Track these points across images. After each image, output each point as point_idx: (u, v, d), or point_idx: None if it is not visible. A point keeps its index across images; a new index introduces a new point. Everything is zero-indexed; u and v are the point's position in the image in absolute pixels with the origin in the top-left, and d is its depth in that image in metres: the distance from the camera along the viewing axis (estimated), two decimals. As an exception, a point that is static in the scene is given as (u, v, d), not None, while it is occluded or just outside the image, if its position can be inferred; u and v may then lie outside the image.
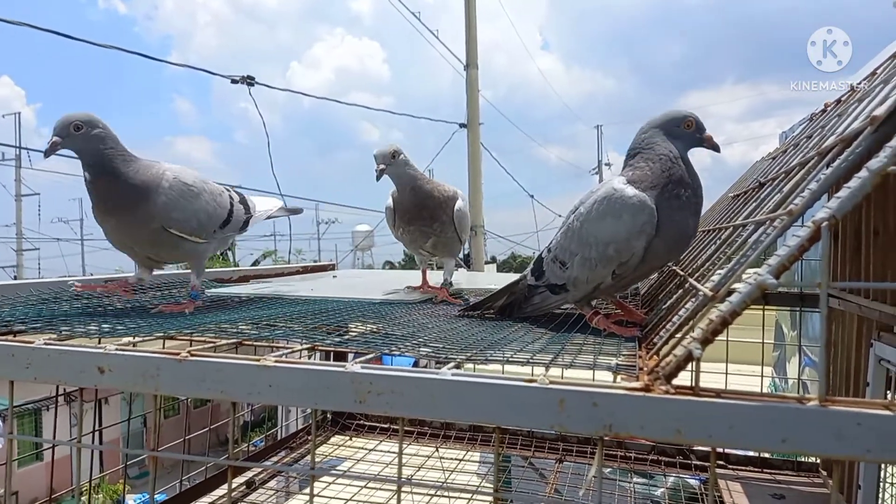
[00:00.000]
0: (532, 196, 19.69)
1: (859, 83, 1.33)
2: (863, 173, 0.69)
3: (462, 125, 11.69)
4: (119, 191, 1.34)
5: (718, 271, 0.91)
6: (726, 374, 2.08)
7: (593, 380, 0.77)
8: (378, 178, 1.65)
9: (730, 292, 0.74)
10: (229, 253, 22.00)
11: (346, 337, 1.11)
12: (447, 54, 11.76)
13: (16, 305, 1.38)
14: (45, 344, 0.92)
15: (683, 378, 0.75)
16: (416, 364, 2.00)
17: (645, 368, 0.82)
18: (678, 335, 0.87)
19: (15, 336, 1.05)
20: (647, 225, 1.11)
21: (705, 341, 0.72)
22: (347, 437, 2.66)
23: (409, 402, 0.80)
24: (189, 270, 1.57)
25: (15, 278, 23.81)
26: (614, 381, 0.79)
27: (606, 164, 29.49)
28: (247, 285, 1.95)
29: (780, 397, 0.70)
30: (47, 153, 1.31)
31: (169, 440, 2.34)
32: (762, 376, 2.20)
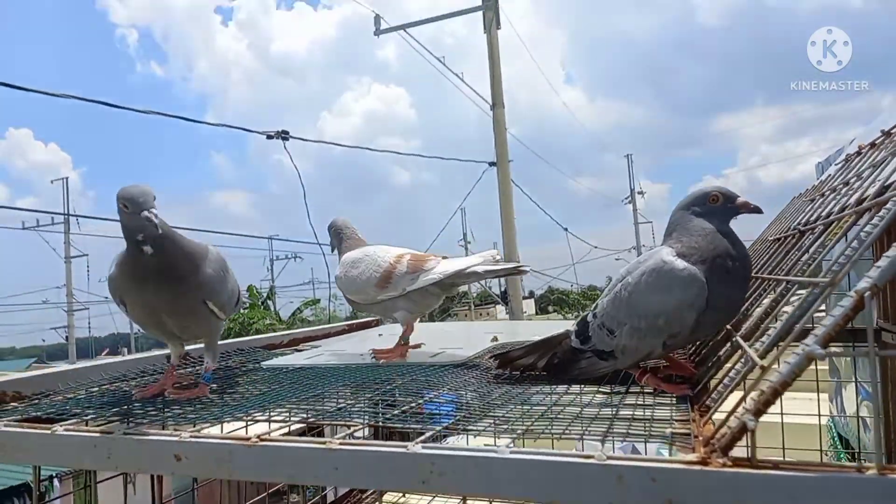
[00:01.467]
0: (566, 229, 19.71)
1: (893, 128, 1.33)
2: (901, 242, 0.72)
3: (491, 164, 11.82)
4: (174, 262, 1.32)
5: (767, 333, 0.93)
6: (781, 413, 2.03)
7: (646, 452, 0.79)
8: (158, 230, 1.25)
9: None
10: (269, 302, 22.35)
11: (398, 411, 1.14)
12: (473, 95, 11.96)
13: (79, 390, 1.44)
14: (125, 434, 0.98)
15: (740, 445, 0.76)
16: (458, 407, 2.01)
17: (700, 437, 0.84)
18: (730, 401, 0.88)
19: (88, 425, 1.11)
20: (698, 298, 1.12)
21: (758, 413, 0.74)
22: (400, 495, 2.66)
23: (469, 481, 0.83)
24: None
25: (67, 339, 24.62)
26: (671, 454, 0.81)
27: (639, 193, 29.35)
28: (298, 353, 2.01)
29: (839, 467, 0.71)
30: (158, 227, 1.24)
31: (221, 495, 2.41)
32: (819, 412, 2.14)
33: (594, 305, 1.34)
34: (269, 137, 9.08)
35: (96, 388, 1.46)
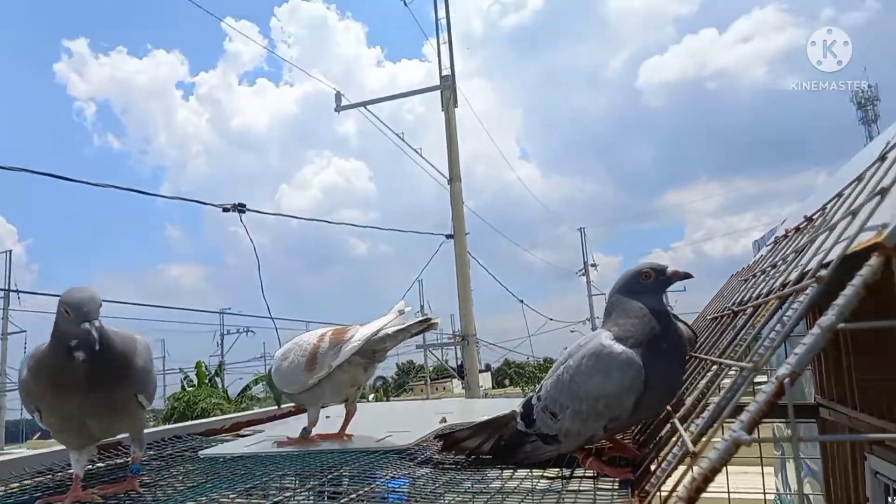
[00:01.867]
0: (521, 300, 19.86)
1: (815, 213, 1.42)
2: (815, 330, 0.75)
3: (449, 236, 11.95)
4: (107, 366, 1.21)
5: (702, 416, 0.94)
6: (728, 492, 2.04)
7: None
8: (95, 345, 1.16)
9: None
10: (217, 379, 21.53)
11: (345, 499, 1.11)
12: (431, 170, 12.23)
13: (10, 481, 1.35)
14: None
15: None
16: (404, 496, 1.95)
17: (638, 525, 0.83)
18: (669, 483, 0.89)
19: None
20: (636, 382, 1.14)
21: (690, 500, 0.75)
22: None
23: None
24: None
25: (-5, 419, 23.00)
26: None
27: (593, 265, 29.97)
28: (240, 438, 1.93)
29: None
30: (96, 343, 1.14)
31: None
32: (764, 493, 2.16)
33: (539, 388, 1.35)
34: (226, 210, 8.99)
35: (24, 481, 1.37)
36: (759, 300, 1.21)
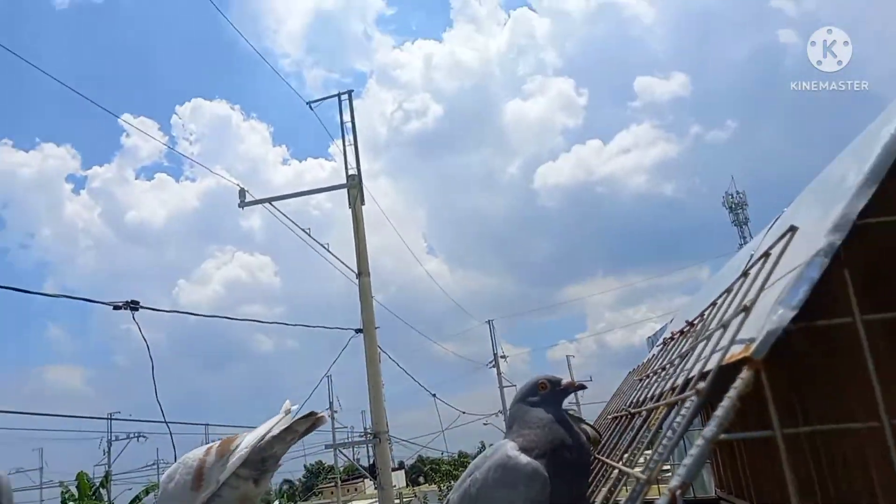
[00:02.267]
0: (434, 395, 19.58)
1: (695, 319, 1.53)
2: (700, 441, 0.79)
3: (358, 330, 11.75)
4: None
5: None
6: None
7: None
8: None
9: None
10: (102, 490, 19.46)
11: None
12: (339, 264, 12.15)
13: None
14: None
15: None
16: None
17: None
18: None
19: None
20: (542, 493, 1.15)
21: None
22: None
23: None
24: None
25: None
26: None
27: (503, 357, 30.24)
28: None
29: None
30: None
31: None
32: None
33: (445, 501, 1.31)
34: (117, 308, 8.45)
35: None
36: (651, 405, 1.26)
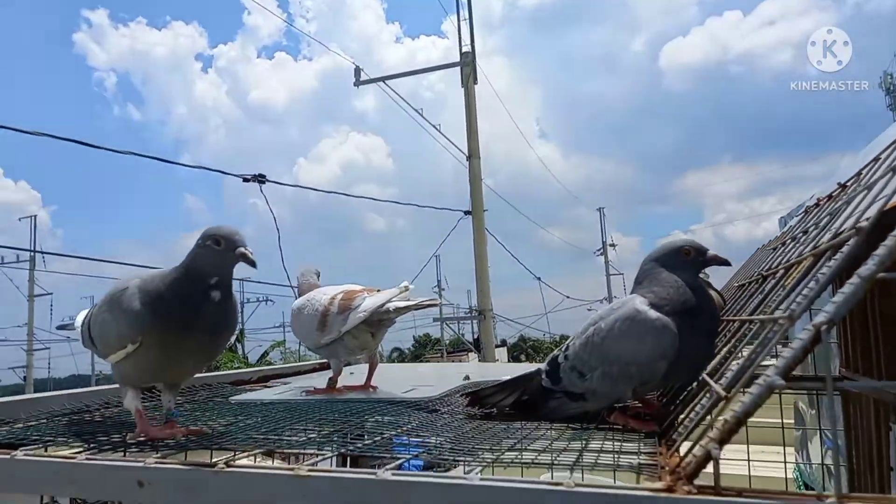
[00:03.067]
0: (539, 278, 19.86)
1: (848, 180, 1.41)
2: (854, 279, 0.75)
3: (466, 212, 11.92)
4: (229, 309, 1.25)
5: (731, 369, 0.96)
6: (748, 460, 2.05)
7: (615, 482, 0.80)
8: (256, 266, 1.26)
9: (748, 383, 0.78)
10: (238, 345, 21.90)
11: (367, 441, 1.14)
12: (450, 146, 12.16)
13: (51, 420, 1.41)
14: (87, 459, 0.96)
15: (706, 474, 0.78)
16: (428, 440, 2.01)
17: (667, 467, 0.85)
18: (696, 433, 0.90)
19: (47, 451, 1.08)
20: (670, 349, 1.14)
21: (722, 442, 0.76)
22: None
23: (439, 509, 0.83)
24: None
25: (24, 379, 23.69)
26: (638, 482, 0.82)
27: (611, 245, 29.78)
28: (267, 389, 1.98)
29: (800, 495, 0.73)
30: (255, 263, 1.22)
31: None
32: (785, 463, 2.16)
33: (564, 347, 1.35)
34: (246, 180, 9.04)
35: (58, 418, 1.42)
36: (792, 262, 1.20)
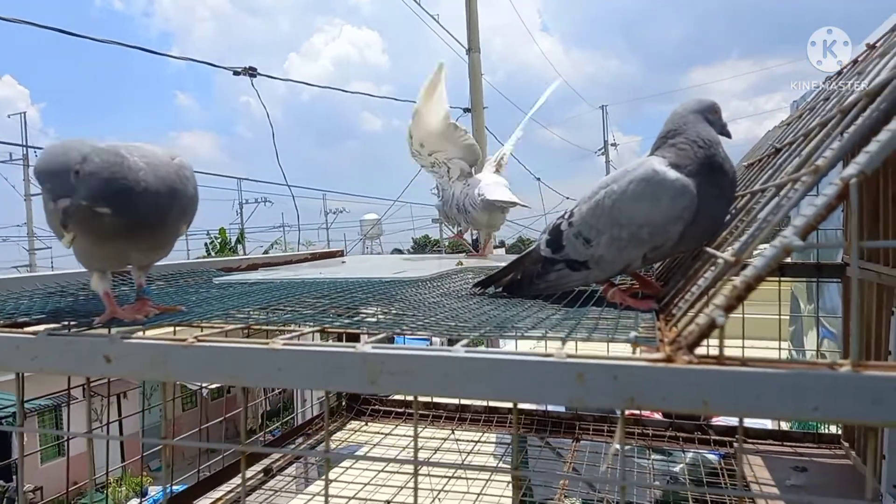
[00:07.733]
0: (538, 179, 19.63)
1: (878, 41, 1.28)
2: (893, 125, 0.66)
3: (466, 110, 11.57)
4: (151, 207, 1.04)
5: (739, 239, 0.88)
6: (743, 349, 2.04)
7: (608, 353, 0.74)
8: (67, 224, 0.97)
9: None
10: (239, 246, 22.06)
11: (356, 318, 1.09)
12: (448, 39, 11.61)
13: (20, 299, 1.36)
14: (49, 334, 0.91)
15: (705, 348, 0.72)
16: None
17: (666, 339, 0.79)
18: (699, 303, 0.84)
19: (20, 328, 1.03)
20: (687, 211, 1.06)
21: (729, 308, 0.69)
22: (363, 423, 2.65)
23: (422, 381, 0.78)
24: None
25: (28, 277, 24.00)
26: (634, 353, 0.76)
27: (613, 145, 29.29)
28: (255, 273, 1.93)
29: (810, 363, 0.66)
30: (66, 226, 0.95)
31: (187, 431, 2.34)
32: (780, 349, 2.16)
33: (568, 213, 1.26)
34: (236, 73, 8.69)
35: (28, 297, 1.37)
36: (813, 127, 1.10)
